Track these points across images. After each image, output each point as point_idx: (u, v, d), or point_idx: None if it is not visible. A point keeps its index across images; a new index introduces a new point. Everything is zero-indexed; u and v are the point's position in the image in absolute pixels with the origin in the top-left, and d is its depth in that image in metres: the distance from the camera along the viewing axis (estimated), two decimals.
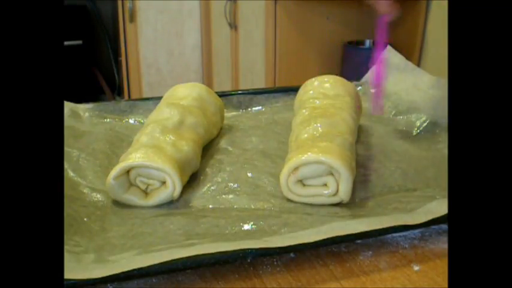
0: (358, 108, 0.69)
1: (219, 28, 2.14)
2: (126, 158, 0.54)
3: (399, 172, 0.60)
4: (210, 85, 2.16)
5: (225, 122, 0.75)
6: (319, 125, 0.59)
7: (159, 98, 0.72)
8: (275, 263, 0.44)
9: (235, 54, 2.01)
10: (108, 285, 0.40)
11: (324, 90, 0.69)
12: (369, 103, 0.80)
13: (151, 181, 0.54)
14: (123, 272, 0.39)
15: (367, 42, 1.60)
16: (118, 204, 0.54)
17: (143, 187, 0.55)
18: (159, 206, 0.54)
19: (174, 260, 0.40)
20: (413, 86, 0.78)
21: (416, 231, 0.47)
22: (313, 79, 0.72)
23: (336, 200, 0.53)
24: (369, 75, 0.77)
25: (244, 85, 1.97)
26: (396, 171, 0.60)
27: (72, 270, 0.39)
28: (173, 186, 0.54)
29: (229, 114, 0.78)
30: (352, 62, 1.56)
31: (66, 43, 2.47)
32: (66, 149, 0.62)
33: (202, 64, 2.48)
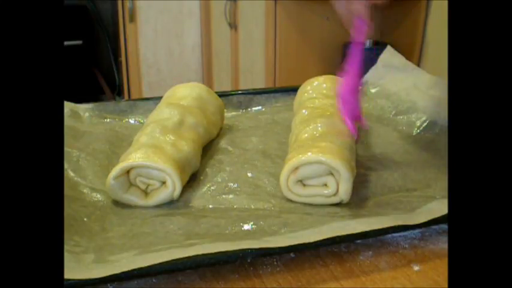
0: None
1: (219, 28, 2.14)
2: (126, 158, 0.54)
3: (399, 172, 0.60)
4: (210, 85, 2.16)
5: (225, 122, 0.75)
6: (319, 125, 0.59)
7: (159, 98, 0.72)
8: (275, 263, 0.44)
9: (235, 54, 2.00)
10: (108, 285, 0.40)
11: (323, 90, 0.69)
12: (368, 103, 0.81)
13: (151, 181, 0.54)
14: (123, 272, 0.39)
15: (367, 42, 1.60)
16: (118, 204, 0.54)
17: (143, 187, 0.55)
18: (159, 206, 0.54)
19: (174, 260, 0.40)
20: (413, 86, 0.78)
21: (416, 231, 0.47)
22: (313, 79, 0.72)
23: (336, 200, 0.53)
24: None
25: (244, 85, 1.96)
26: (396, 171, 0.60)
27: (72, 270, 0.39)
28: (173, 186, 0.54)
29: (229, 114, 0.78)
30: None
31: (66, 43, 2.47)
32: (66, 149, 0.62)
33: (202, 64, 2.47)
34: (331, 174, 0.53)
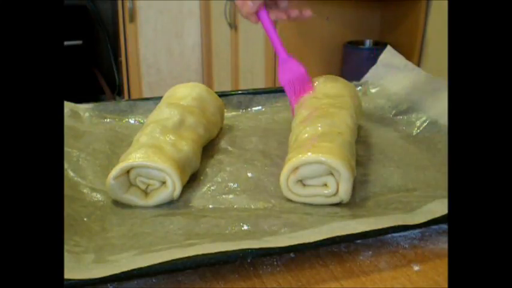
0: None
1: (219, 28, 2.14)
2: (126, 158, 0.54)
3: (399, 172, 0.60)
4: (210, 85, 2.16)
5: (225, 122, 0.75)
6: (319, 125, 0.59)
7: (159, 98, 0.72)
8: (275, 263, 0.44)
9: (235, 54, 2.00)
10: (108, 285, 0.40)
11: (323, 90, 0.69)
12: (368, 103, 0.81)
13: (151, 181, 0.54)
14: (123, 272, 0.39)
15: (367, 42, 1.60)
16: (118, 204, 0.54)
17: (143, 187, 0.55)
18: (159, 206, 0.54)
19: (174, 260, 0.40)
20: (413, 86, 0.78)
21: (416, 231, 0.47)
22: (313, 79, 0.72)
23: (336, 200, 0.53)
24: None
25: (244, 85, 1.96)
26: (396, 171, 0.60)
27: (72, 270, 0.39)
28: (173, 186, 0.54)
29: (229, 114, 0.78)
30: (352, 62, 1.56)
31: (66, 43, 2.47)
32: (66, 149, 0.62)
33: (202, 64, 2.47)
34: (331, 174, 0.53)
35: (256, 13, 0.64)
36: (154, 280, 0.41)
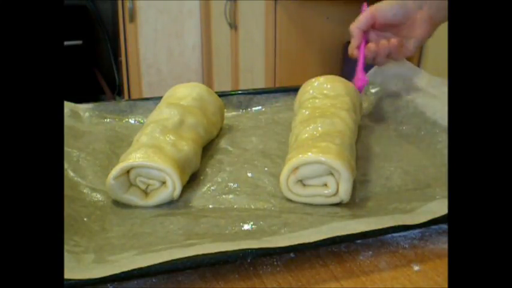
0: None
1: (219, 28, 2.14)
2: (126, 158, 0.54)
3: (399, 172, 0.60)
4: (210, 85, 2.16)
5: (225, 122, 0.75)
6: (319, 125, 0.59)
7: (159, 98, 0.72)
8: (275, 263, 0.44)
9: (235, 54, 2.01)
10: (108, 285, 0.40)
11: (324, 90, 0.69)
12: (368, 103, 0.80)
13: (151, 181, 0.54)
14: (123, 272, 0.39)
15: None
16: (118, 204, 0.54)
17: (143, 187, 0.55)
18: (159, 206, 0.54)
19: (174, 260, 0.40)
20: (413, 86, 0.78)
21: (416, 231, 0.47)
22: (313, 79, 0.72)
23: (336, 200, 0.53)
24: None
25: (244, 85, 1.97)
26: (396, 171, 0.60)
27: (72, 270, 0.39)
28: (173, 186, 0.54)
29: (229, 114, 0.78)
30: (352, 62, 1.56)
31: (66, 43, 2.47)
32: (66, 149, 0.62)
33: (202, 64, 2.47)
34: (331, 174, 0.53)
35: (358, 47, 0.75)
36: (154, 280, 0.42)
